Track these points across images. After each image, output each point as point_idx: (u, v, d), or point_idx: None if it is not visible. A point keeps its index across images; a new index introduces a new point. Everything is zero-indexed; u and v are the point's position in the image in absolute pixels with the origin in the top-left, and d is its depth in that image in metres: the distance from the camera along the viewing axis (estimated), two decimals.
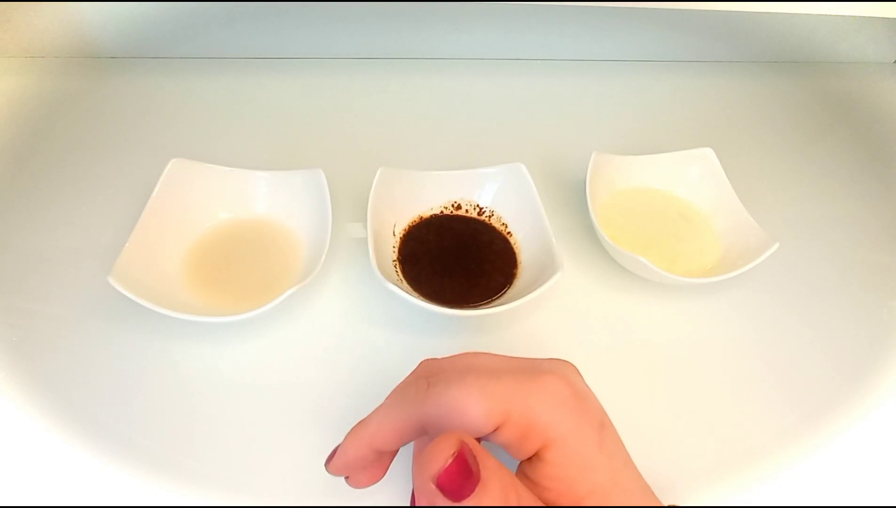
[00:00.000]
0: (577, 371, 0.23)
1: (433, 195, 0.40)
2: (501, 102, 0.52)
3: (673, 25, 0.55)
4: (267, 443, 0.29)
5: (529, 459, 0.21)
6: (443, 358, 0.23)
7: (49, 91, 0.47)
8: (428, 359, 0.24)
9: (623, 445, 0.22)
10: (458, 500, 0.17)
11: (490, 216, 0.40)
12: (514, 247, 0.38)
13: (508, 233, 0.39)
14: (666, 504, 0.22)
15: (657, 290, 0.38)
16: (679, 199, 0.42)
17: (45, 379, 0.30)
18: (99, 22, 0.48)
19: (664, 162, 0.42)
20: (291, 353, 0.33)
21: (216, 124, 0.46)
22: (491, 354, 0.23)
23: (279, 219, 0.38)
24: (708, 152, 0.42)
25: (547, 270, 0.33)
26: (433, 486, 0.17)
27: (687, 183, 0.42)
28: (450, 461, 0.17)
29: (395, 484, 0.26)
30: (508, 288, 0.36)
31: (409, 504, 0.26)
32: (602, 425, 0.21)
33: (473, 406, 0.19)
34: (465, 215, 0.40)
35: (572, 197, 0.43)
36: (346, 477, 0.22)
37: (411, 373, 0.24)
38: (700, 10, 0.45)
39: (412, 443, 0.23)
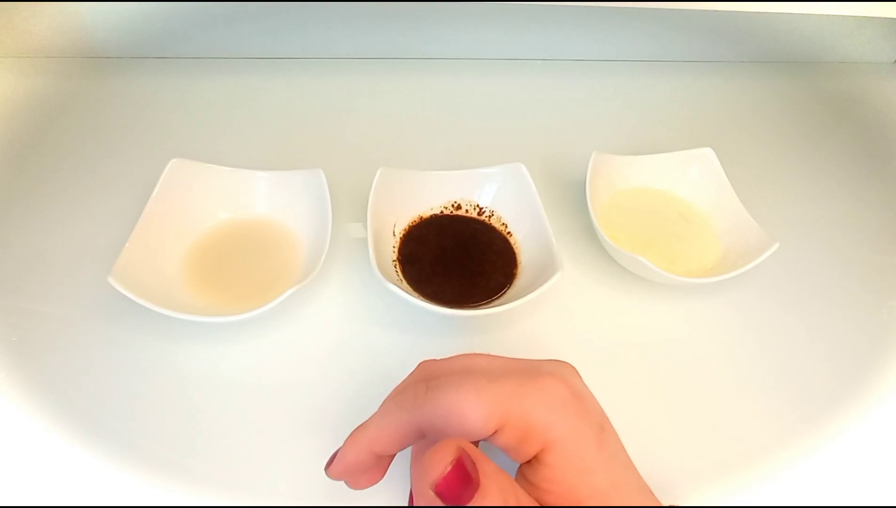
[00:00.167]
0: (577, 373, 0.23)
1: (433, 195, 0.40)
2: (501, 102, 0.52)
3: (673, 25, 0.55)
4: (267, 443, 0.29)
5: (529, 462, 0.21)
6: (441, 360, 0.23)
7: (49, 91, 0.47)
8: (426, 360, 0.24)
9: (623, 446, 0.22)
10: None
11: (490, 216, 0.40)
12: (514, 247, 0.38)
13: (508, 233, 0.39)
14: (666, 505, 0.22)
15: (657, 290, 0.38)
16: (679, 199, 0.42)
17: (45, 379, 0.30)
18: (99, 22, 0.48)
19: (664, 162, 0.42)
20: (291, 353, 0.33)
21: (216, 124, 0.46)
22: (489, 355, 0.23)
23: (279, 219, 0.38)
24: (708, 152, 0.42)
25: (547, 270, 0.33)
26: (432, 493, 0.17)
27: (687, 183, 0.42)
28: (449, 468, 0.17)
29: (394, 484, 0.26)
30: (508, 288, 0.36)
31: (407, 505, 0.26)
32: (602, 426, 0.21)
33: (472, 410, 0.19)
34: (465, 215, 0.40)
35: (572, 197, 0.43)
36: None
37: (409, 375, 0.24)
38: (700, 10, 0.45)
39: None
